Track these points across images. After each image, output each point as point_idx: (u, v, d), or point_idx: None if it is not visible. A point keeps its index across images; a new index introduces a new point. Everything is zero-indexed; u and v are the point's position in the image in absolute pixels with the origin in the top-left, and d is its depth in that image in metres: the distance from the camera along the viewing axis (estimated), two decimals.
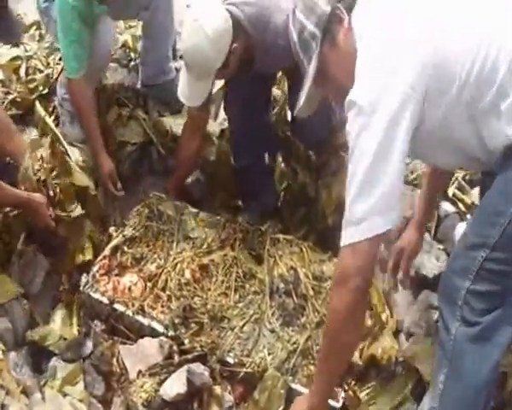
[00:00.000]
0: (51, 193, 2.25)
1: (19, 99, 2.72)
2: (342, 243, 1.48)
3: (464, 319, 1.53)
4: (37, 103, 2.71)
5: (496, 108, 1.43)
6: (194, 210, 2.54)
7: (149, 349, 2.04)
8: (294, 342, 2.08)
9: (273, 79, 2.70)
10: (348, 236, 1.46)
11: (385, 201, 1.42)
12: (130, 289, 2.22)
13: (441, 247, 2.39)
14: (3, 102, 2.67)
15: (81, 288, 2.23)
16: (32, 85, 2.79)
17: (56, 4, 2.40)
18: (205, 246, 2.36)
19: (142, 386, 1.97)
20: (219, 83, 2.95)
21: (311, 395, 1.72)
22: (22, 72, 2.85)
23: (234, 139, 2.68)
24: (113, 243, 2.36)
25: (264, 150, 2.71)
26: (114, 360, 2.06)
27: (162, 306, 2.17)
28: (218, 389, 1.98)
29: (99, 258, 2.31)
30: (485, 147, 1.49)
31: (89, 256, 2.36)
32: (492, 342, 1.53)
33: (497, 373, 1.61)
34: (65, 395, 1.94)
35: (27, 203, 2.15)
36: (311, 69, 1.55)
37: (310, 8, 1.56)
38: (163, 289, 2.21)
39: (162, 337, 2.08)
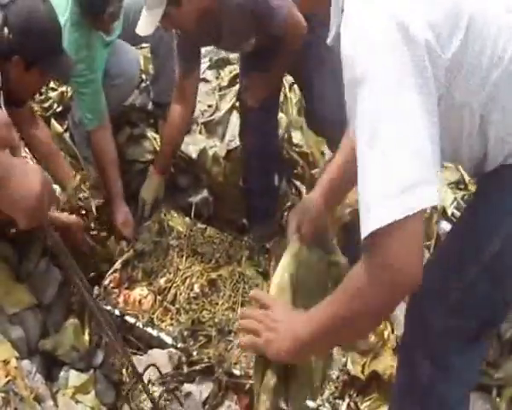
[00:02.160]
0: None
1: None
2: (378, 224, 1.01)
3: (435, 359, 1.34)
4: (54, 121, 2.78)
5: None
6: (202, 226, 2.61)
7: (159, 360, 2.10)
8: None
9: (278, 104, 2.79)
10: (388, 211, 1.01)
11: (426, 164, 1.03)
12: (140, 302, 2.28)
13: None
14: None
15: None
16: (46, 104, 2.88)
17: None
18: (213, 261, 2.44)
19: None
20: (226, 105, 3.06)
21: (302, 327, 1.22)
22: None
23: (247, 164, 2.78)
24: (124, 257, 2.43)
25: (275, 174, 2.80)
26: (124, 369, 2.13)
27: (171, 318, 2.24)
28: None
29: (110, 271, 2.38)
30: (484, 153, 1.25)
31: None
32: (462, 384, 1.40)
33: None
34: (77, 401, 1.99)
35: (67, 227, 2.20)
36: None
37: None
38: (172, 303, 2.28)
39: (171, 349, 2.14)
